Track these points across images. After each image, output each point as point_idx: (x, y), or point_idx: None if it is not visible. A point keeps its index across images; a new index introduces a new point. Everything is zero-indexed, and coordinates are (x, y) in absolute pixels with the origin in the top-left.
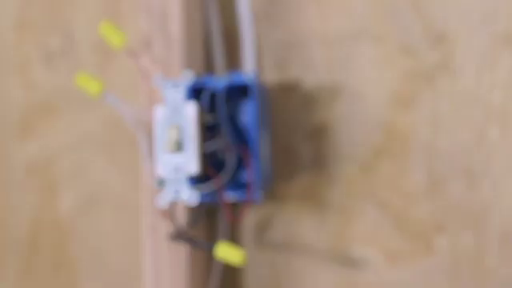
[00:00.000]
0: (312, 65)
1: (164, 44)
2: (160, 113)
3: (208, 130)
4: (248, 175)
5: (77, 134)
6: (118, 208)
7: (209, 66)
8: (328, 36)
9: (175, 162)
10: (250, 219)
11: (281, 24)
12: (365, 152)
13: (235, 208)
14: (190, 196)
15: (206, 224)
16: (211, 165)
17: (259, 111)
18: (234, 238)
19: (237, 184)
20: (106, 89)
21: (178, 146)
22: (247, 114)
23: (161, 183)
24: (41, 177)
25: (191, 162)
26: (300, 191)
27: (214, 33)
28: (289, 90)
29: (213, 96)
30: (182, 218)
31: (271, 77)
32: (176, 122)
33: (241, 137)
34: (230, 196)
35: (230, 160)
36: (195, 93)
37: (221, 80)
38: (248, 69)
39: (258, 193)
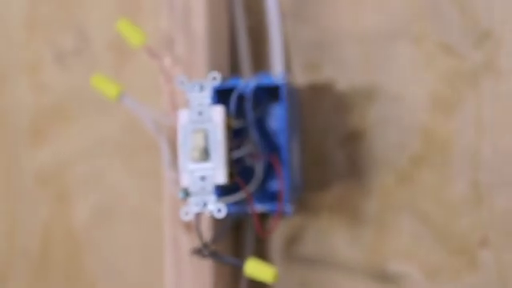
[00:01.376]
0: (346, 65)
1: (187, 43)
2: (184, 117)
3: (234, 136)
4: (279, 185)
5: (91, 140)
6: (136, 219)
7: (234, 67)
8: (363, 34)
9: (201, 170)
10: (278, 232)
11: (311, 22)
12: (403, 160)
13: (262, 220)
14: (217, 208)
15: (230, 237)
16: (238, 173)
17: (289, 115)
18: (260, 252)
19: (265, 194)
20: (123, 91)
21: (205, 154)
22: (276, 118)
23: (185, 194)
24: (53, 186)
25: (219, 171)
26: (332, 202)
27: (240, 31)
28: (320, 93)
29: (239, 99)
30: (206, 230)
31: (301, 78)
32: (202, 127)
33: (269, 143)
34: (258, 207)
35: (259, 168)
36: (220, 95)
37: (248, 81)
38: (276, 69)
39: (288, 204)
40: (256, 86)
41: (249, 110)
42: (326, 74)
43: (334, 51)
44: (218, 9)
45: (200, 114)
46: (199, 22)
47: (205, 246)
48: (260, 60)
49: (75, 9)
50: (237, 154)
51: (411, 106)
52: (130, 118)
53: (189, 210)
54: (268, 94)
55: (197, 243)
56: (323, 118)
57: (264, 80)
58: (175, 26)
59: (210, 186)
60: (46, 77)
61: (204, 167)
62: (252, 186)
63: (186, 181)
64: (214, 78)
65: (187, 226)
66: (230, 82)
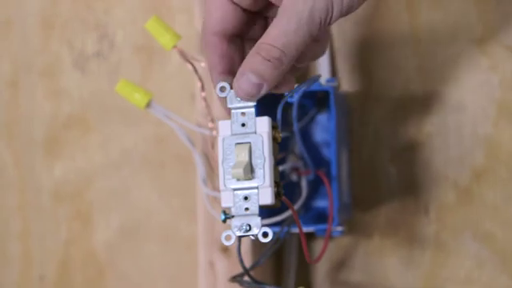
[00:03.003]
0: (399, 70)
1: None
2: (225, 129)
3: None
4: (328, 203)
5: (115, 152)
6: (165, 240)
7: None
8: (418, 36)
9: (245, 189)
10: (325, 253)
11: (362, 22)
12: (464, 175)
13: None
14: (263, 232)
15: (271, 261)
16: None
17: (338, 125)
18: (304, 278)
19: (309, 213)
20: (153, 99)
21: (249, 171)
22: (323, 128)
23: (226, 216)
24: (72, 203)
25: (265, 190)
26: (385, 222)
27: None
28: (371, 101)
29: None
30: (246, 254)
31: (349, 85)
32: (245, 140)
33: (314, 156)
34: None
35: (304, 184)
36: (260, 103)
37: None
38: (323, 74)
39: (337, 225)
40: (303, 92)
41: (295, 119)
42: (377, 80)
43: (387, 55)
44: None
45: (243, 125)
46: None
47: (246, 272)
48: None
49: (97, 7)
50: (280, 167)
51: (473, 116)
52: (159, 129)
53: (231, 234)
54: (313, 101)
55: (236, 268)
56: (374, 129)
57: (311, 87)
58: None
59: (254, 206)
60: (64, 82)
61: (248, 186)
62: (298, 206)
63: (227, 201)
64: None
65: (224, 248)
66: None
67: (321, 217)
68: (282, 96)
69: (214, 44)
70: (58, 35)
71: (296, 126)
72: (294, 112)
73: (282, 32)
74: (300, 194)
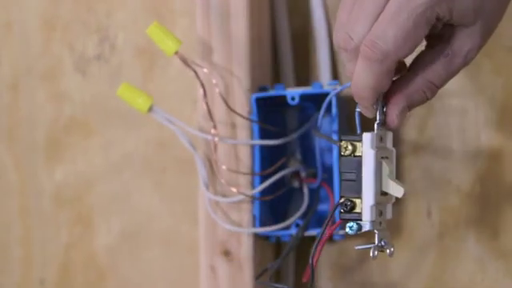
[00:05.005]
0: (401, 72)
1: (225, 49)
2: (372, 141)
3: (273, 152)
4: (331, 205)
5: (116, 156)
6: (166, 244)
7: (275, 76)
8: None
9: (382, 204)
10: (326, 258)
11: None
12: (467, 178)
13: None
14: (390, 250)
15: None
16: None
17: (340, 129)
18: (305, 282)
19: (311, 217)
20: (154, 103)
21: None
22: (324, 132)
23: (358, 229)
24: (73, 207)
25: (389, 206)
26: (387, 225)
27: (283, 36)
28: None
29: (281, 111)
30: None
31: (349, 88)
32: (385, 155)
33: (315, 160)
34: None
35: (307, 192)
36: (260, 105)
37: (294, 91)
38: (324, 77)
39: (340, 229)
40: (303, 95)
41: (297, 123)
42: None
43: None
44: (261, 11)
45: (381, 139)
46: (239, 25)
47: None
48: (303, 67)
49: (98, 9)
50: (281, 173)
51: (476, 119)
52: (160, 133)
53: (373, 249)
54: (315, 105)
55: (237, 272)
56: None
57: (312, 89)
58: (212, 30)
59: (384, 222)
60: (65, 85)
61: (385, 200)
62: (300, 213)
63: (370, 215)
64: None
65: (226, 252)
66: (273, 91)
67: (323, 221)
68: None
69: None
70: (59, 38)
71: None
72: (298, 116)
73: (449, 77)
74: (301, 200)
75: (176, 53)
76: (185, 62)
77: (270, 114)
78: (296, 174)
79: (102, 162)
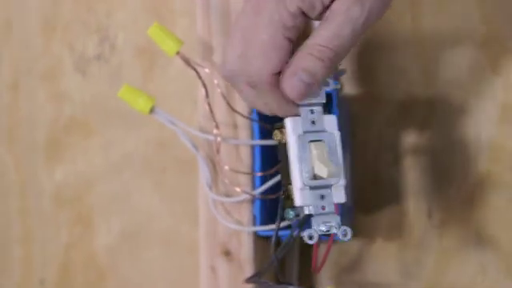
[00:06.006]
0: (402, 73)
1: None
2: (297, 126)
3: (271, 153)
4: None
5: (116, 156)
6: (166, 244)
7: None
8: (421, 38)
9: (321, 188)
10: (327, 258)
11: None
12: (468, 179)
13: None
14: (342, 231)
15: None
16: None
17: (341, 128)
18: (307, 281)
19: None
20: (156, 103)
21: (333, 168)
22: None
23: (296, 214)
24: (73, 207)
25: (339, 188)
26: (388, 226)
27: None
28: (375, 104)
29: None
30: (248, 260)
31: (350, 88)
32: (319, 138)
33: None
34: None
35: None
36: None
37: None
38: None
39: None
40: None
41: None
42: (380, 83)
43: (390, 57)
44: None
45: (313, 123)
46: None
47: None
48: None
49: (98, 9)
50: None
51: (477, 118)
52: (160, 133)
53: (313, 233)
54: None
55: (238, 273)
56: (376, 133)
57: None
58: (212, 29)
59: (330, 205)
60: (65, 85)
61: (324, 184)
62: None
63: (305, 199)
64: (327, 83)
65: (226, 252)
66: None
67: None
68: None
69: (274, 84)
70: (59, 38)
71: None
72: None
73: (335, 35)
74: None
75: (177, 53)
76: (186, 62)
77: None
78: None
79: (102, 162)
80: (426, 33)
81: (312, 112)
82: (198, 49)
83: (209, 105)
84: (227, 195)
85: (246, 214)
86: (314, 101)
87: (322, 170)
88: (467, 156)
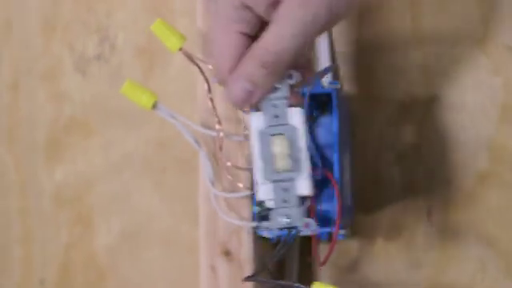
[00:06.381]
0: (401, 72)
1: None
2: (259, 121)
3: None
4: (334, 206)
5: (116, 156)
6: (166, 244)
7: None
8: (423, 39)
9: (284, 181)
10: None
11: (365, 24)
12: (467, 178)
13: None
14: (304, 223)
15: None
16: None
17: (341, 127)
18: (307, 281)
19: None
20: (159, 100)
21: (291, 162)
22: (325, 130)
23: (261, 208)
24: (73, 207)
25: (303, 181)
26: (388, 225)
27: None
28: (374, 103)
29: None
30: (248, 259)
31: (350, 87)
32: (281, 131)
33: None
34: (305, 231)
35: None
36: None
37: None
38: (324, 79)
39: (342, 227)
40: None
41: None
42: (379, 82)
43: (389, 57)
44: None
45: (276, 116)
46: None
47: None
48: None
49: (98, 9)
50: None
51: (476, 118)
52: (160, 132)
53: (271, 226)
54: (316, 104)
55: (238, 272)
56: (376, 132)
57: (313, 88)
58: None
59: (293, 198)
60: (65, 85)
61: (287, 177)
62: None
63: (267, 193)
64: (290, 76)
65: (226, 252)
66: None
67: (323, 220)
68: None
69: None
70: (59, 38)
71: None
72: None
73: (277, 38)
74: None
75: (180, 49)
76: (189, 57)
77: None
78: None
79: (102, 162)
80: (426, 33)
81: (275, 106)
82: (198, 44)
83: (211, 100)
84: (229, 191)
85: (245, 212)
86: (277, 94)
87: (281, 164)
88: (467, 156)
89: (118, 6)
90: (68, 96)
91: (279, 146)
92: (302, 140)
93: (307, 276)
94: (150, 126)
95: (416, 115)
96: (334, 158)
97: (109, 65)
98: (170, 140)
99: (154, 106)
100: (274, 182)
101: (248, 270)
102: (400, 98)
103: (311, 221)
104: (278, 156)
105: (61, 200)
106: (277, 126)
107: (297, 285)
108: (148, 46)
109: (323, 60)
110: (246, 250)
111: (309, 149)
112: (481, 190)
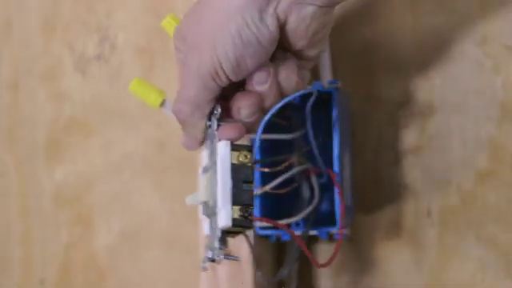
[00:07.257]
0: (401, 72)
1: None
2: (204, 160)
3: (277, 151)
4: (337, 205)
5: (117, 156)
6: (166, 244)
7: None
8: (423, 38)
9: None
10: (327, 257)
11: (365, 24)
12: (467, 178)
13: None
14: (211, 258)
15: (270, 264)
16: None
17: (341, 126)
18: (306, 281)
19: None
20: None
21: (206, 207)
22: (325, 130)
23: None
24: (73, 207)
25: (221, 215)
26: (387, 225)
27: None
28: (374, 103)
29: (284, 109)
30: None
31: (349, 87)
32: (211, 167)
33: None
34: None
35: (317, 186)
36: None
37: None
38: (325, 76)
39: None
40: (303, 94)
41: (304, 119)
42: (379, 82)
43: (389, 56)
44: None
45: (212, 152)
46: None
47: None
48: None
49: (98, 9)
50: (293, 170)
51: (476, 118)
52: (160, 132)
53: (204, 259)
54: (314, 103)
55: (238, 272)
56: (376, 132)
57: (313, 87)
58: None
59: (214, 231)
60: (65, 85)
61: (211, 211)
62: (311, 208)
63: (205, 229)
64: (216, 113)
65: (226, 252)
66: None
67: (324, 220)
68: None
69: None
70: (59, 38)
71: (309, 125)
72: (303, 113)
73: (182, 88)
74: (301, 199)
75: (162, 104)
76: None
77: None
78: (304, 171)
79: (102, 162)
80: (425, 32)
81: (211, 141)
82: None
83: None
84: None
85: None
86: (209, 131)
87: (198, 200)
88: (467, 156)
89: (118, 5)
90: (68, 96)
91: (204, 182)
92: (219, 174)
93: (307, 277)
94: (150, 126)
95: (416, 115)
96: (334, 158)
97: (109, 65)
98: (169, 140)
99: (163, 104)
100: (207, 215)
101: (248, 270)
102: (400, 98)
103: (220, 254)
104: (196, 195)
105: (61, 200)
106: (212, 163)
107: None
108: (148, 45)
109: (323, 60)
110: (245, 250)
111: (311, 149)
112: (480, 190)
